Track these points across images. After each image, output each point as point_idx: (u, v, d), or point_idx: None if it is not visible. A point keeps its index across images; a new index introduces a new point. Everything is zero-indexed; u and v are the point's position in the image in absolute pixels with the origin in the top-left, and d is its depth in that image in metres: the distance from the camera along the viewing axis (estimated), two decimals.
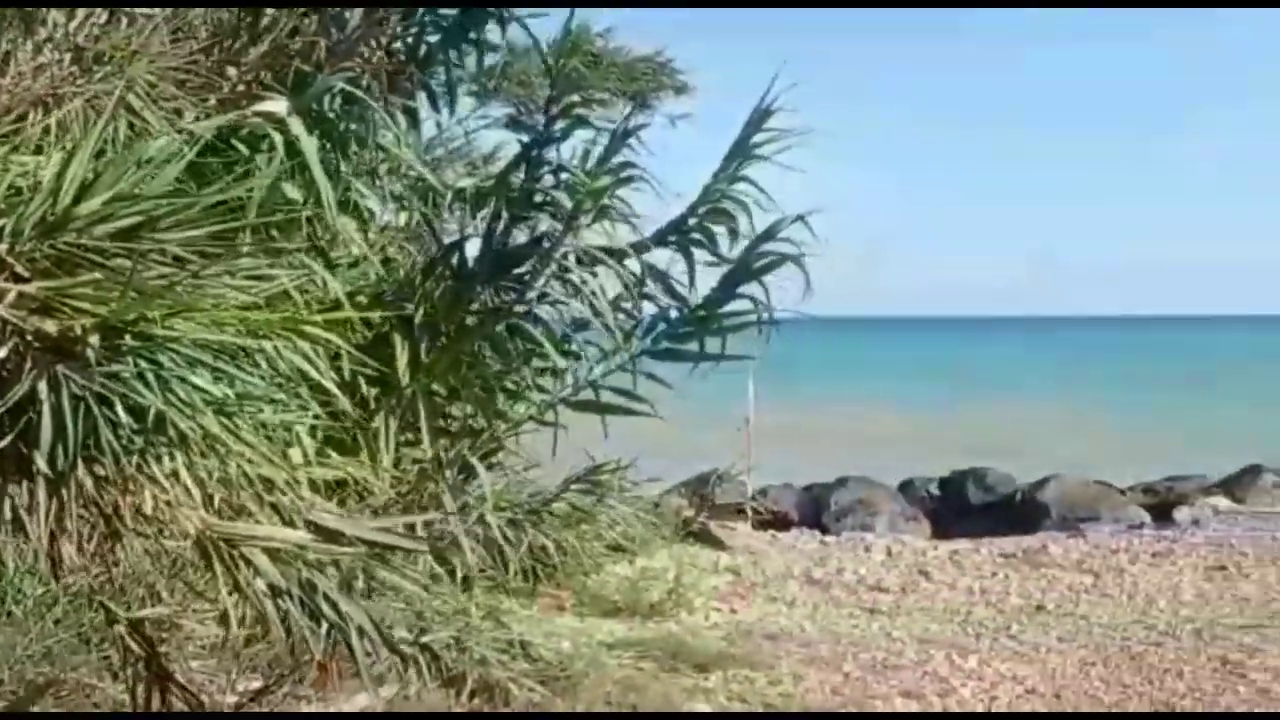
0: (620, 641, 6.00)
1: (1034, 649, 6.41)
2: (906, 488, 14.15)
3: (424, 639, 2.88)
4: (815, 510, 12.50)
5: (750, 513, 10.50)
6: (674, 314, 5.58)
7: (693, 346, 5.82)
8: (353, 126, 2.45)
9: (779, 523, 11.34)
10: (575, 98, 5.62)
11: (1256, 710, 5.44)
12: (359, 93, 2.32)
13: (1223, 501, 11.61)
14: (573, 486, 6.66)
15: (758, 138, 6.02)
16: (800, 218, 5.24)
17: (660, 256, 5.85)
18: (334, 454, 2.23)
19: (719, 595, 7.42)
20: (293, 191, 2.19)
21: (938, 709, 5.41)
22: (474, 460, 4.06)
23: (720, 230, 5.80)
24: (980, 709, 5.42)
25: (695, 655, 5.67)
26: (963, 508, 13.83)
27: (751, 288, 5.68)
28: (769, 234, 5.28)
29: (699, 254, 5.94)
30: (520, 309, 5.65)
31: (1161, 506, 12.25)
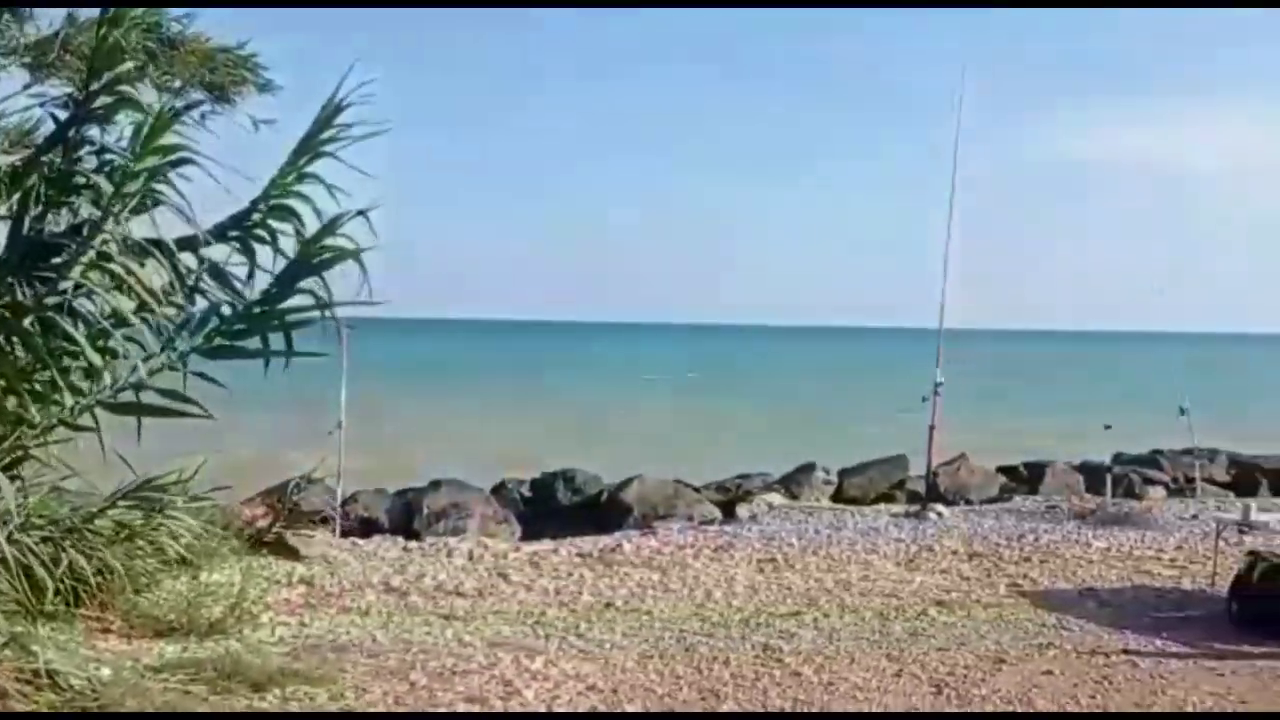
0: (170, 663, 5.56)
1: (599, 646, 6.64)
2: (499, 490, 14.34)
3: None
4: (407, 515, 12.32)
5: (334, 520, 10.17)
6: (227, 310, 5.22)
7: (253, 343, 5.46)
8: None
9: (368, 529, 11.08)
10: (121, 72, 5.11)
11: (791, 691, 5.93)
12: None
13: (777, 498, 12.71)
14: (121, 500, 6.10)
15: (328, 133, 5.74)
16: (362, 212, 5.07)
17: (223, 252, 5.45)
18: None
19: (288, 608, 7.08)
20: None
21: (499, 710, 5.46)
22: None
23: (286, 227, 5.49)
24: (542, 709, 5.53)
25: (253, 673, 5.35)
26: (552, 509, 14.20)
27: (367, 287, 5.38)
28: (328, 229, 5.07)
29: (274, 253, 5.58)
30: (53, 301, 5.07)
31: (730, 503, 13.23)
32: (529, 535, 11.52)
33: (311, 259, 4.90)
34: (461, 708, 5.46)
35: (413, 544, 9.58)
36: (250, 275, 4.96)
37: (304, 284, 5.01)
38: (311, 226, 4.93)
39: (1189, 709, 5.67)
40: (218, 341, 5.09)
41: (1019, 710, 5.66)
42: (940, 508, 11.43)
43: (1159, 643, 6.87)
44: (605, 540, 9.98)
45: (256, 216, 5.03)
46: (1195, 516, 11.16)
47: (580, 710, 5.57)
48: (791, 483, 14.63)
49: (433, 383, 41.10)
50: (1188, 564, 9.15)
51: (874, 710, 5.65)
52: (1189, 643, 6.87)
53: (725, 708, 5.67)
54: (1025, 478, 15.22)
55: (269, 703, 5.20)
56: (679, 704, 5.71)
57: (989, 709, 5.64)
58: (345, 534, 10.10)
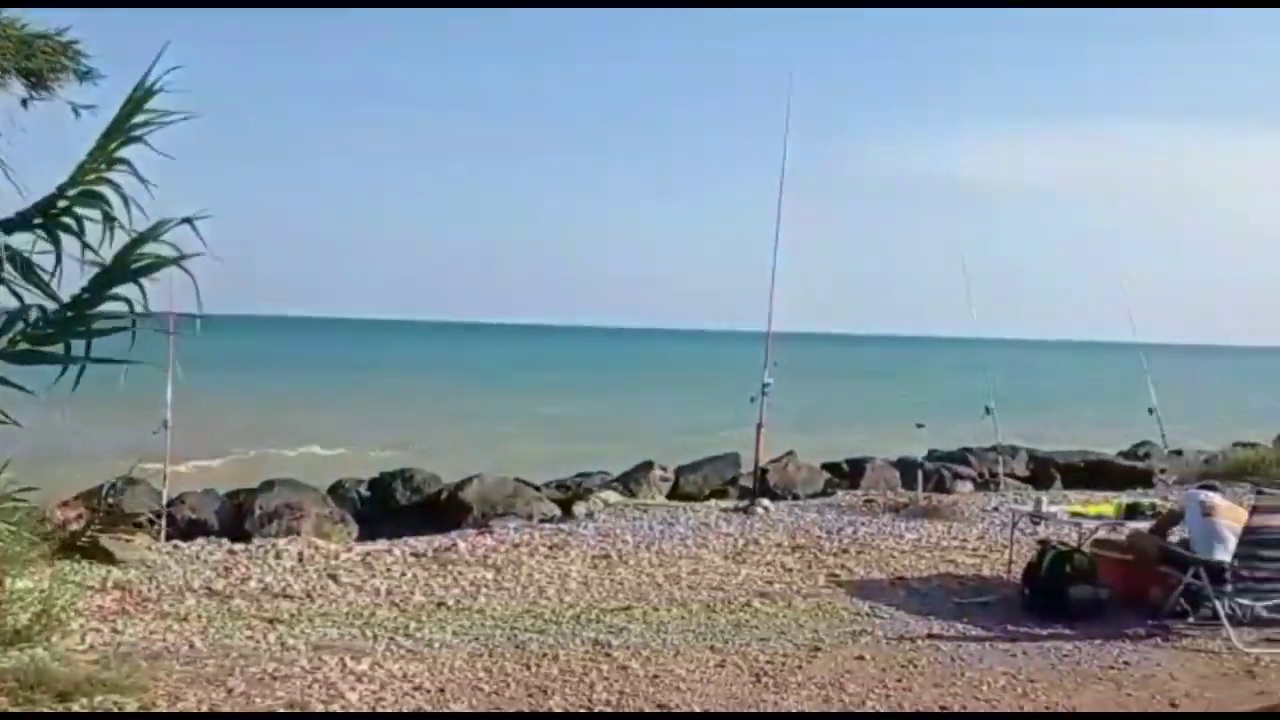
0: None
1: (428, 646, 6.67)
2: (336, 490, 14.10)
3: None
4: (238, 517, 12.01)
5: (158, 522, 9.85)
6: (35, 313, 5.04)
7: (58, 349, 5.27)
8: None
9: (195, 532, 10.76)
10: None
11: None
12: None
13: (614, 495, 12.90)
14: None
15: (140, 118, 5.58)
16: (188, 220, 4.97)
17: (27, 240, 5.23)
18: None
19: (101, 614, 6.87)
20: None
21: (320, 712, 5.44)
22: None
23: (94, 214, 5.32)
24: (366, 710, 5.54)
25: (59, 682, 5.20)
26: (391, 509, 14.05)
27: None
28: (147, 235, 4.95)
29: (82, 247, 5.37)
30: None
31: (568, 501, 13.35)
32: (367, 536, 11.39)
33: (128, 265, 4.78)
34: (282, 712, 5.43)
35: (239, 546, 9.36)
36: (57, 264, 4.79)
37: (121, 290, 4.87)
38: (125, 217, 4.79)
39: (984, 689, 6.07)
40: (22, 346, 4.91)
41: (832, 693, 5.96)
42: (767, 502, 11.82)
43: (960, 627, 7.33)
44: (441, 539, 9.98)
45: (62, 204, 4.87)
46: (996, 509, 11.75)
47: (406, 711, 5.60)
48: (630, 480, 14.85)
49: (269, 380, 40.01)
50: (988, 553, 9.72)
51: (696, 700, 5.86)
52: (986, 627, 7.35)
53: (552, 703, 5.77)
54: (847, 473, 15.86)
55: (74, 712, 5.06)
56: (506, 702, 5.80)
57: (804, 695, 5.92)
58: (170, 537, 9.80)
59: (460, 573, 8.62)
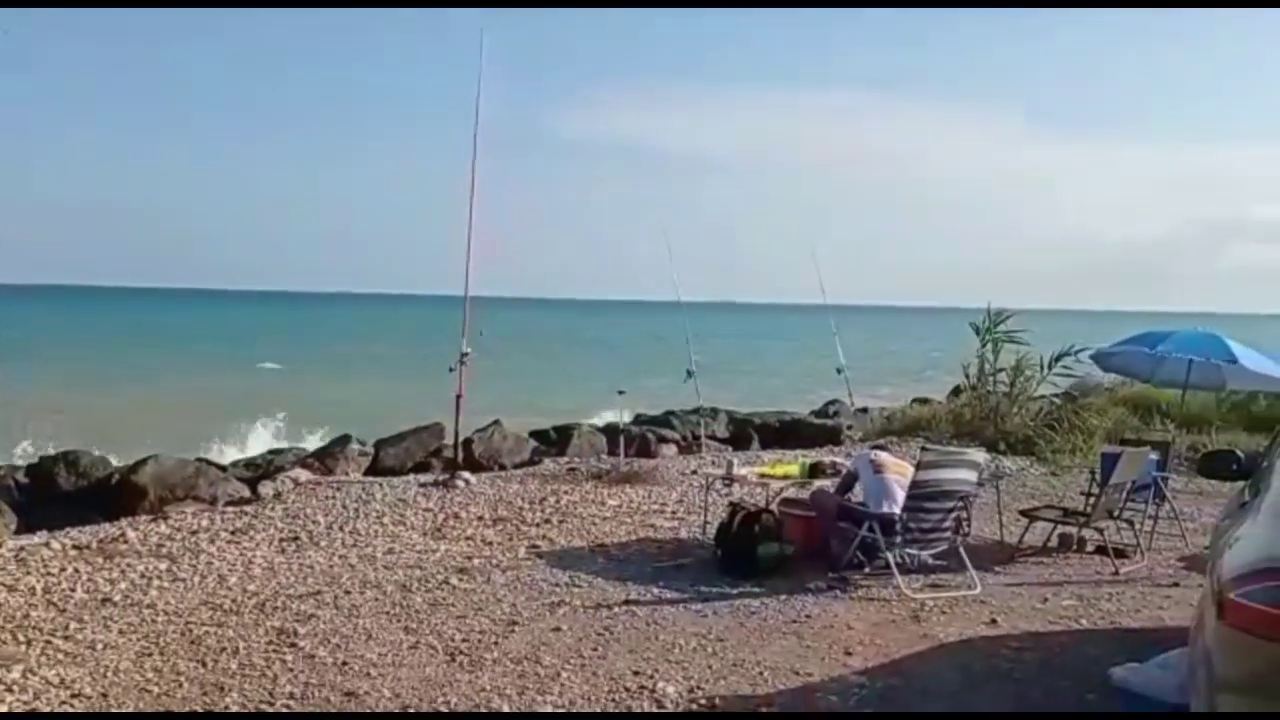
0: None
1: (90, 648, 6.08)
2: None
3: None
4: None
5: None
6: None
7: None
8: None
9: None
10: None
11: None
12: None
13: (306, 474, 12.31)
14: None
15: None
16: None
17: None
18: None
19: None
20: None
21: None
22: None
23: None
24: None
25: None
26: (55, 496, 12.86)
27: None
28: None
29: None
30: None
31: (258, 480, 12.63)
32: (27, 527, 10.32)
33: None
34: None
35: None
36: None
37: None
38: None
39: (677, 650, 6.18)
40: None
41: (528, 667, 5.88)
42: (468, 475, 11.63)
43: (656, 591, 7.45)
44: (107, 529, 9.17)
45: None
46: (695, 472, 12.00)
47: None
48: (326, 456, 14.28)
49: None
50: (686, 516, 9.99)
51: (387, 685, 5.62)
52: (681, 589, 7.51)
53: (229, 700, 5.38)
54: (555, 440, 15.96)
55: None
56: (178, 703, 5.35)
57: (499, 671, 5.81)
58: None
59: (129, 565, 7.93)
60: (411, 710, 5.30)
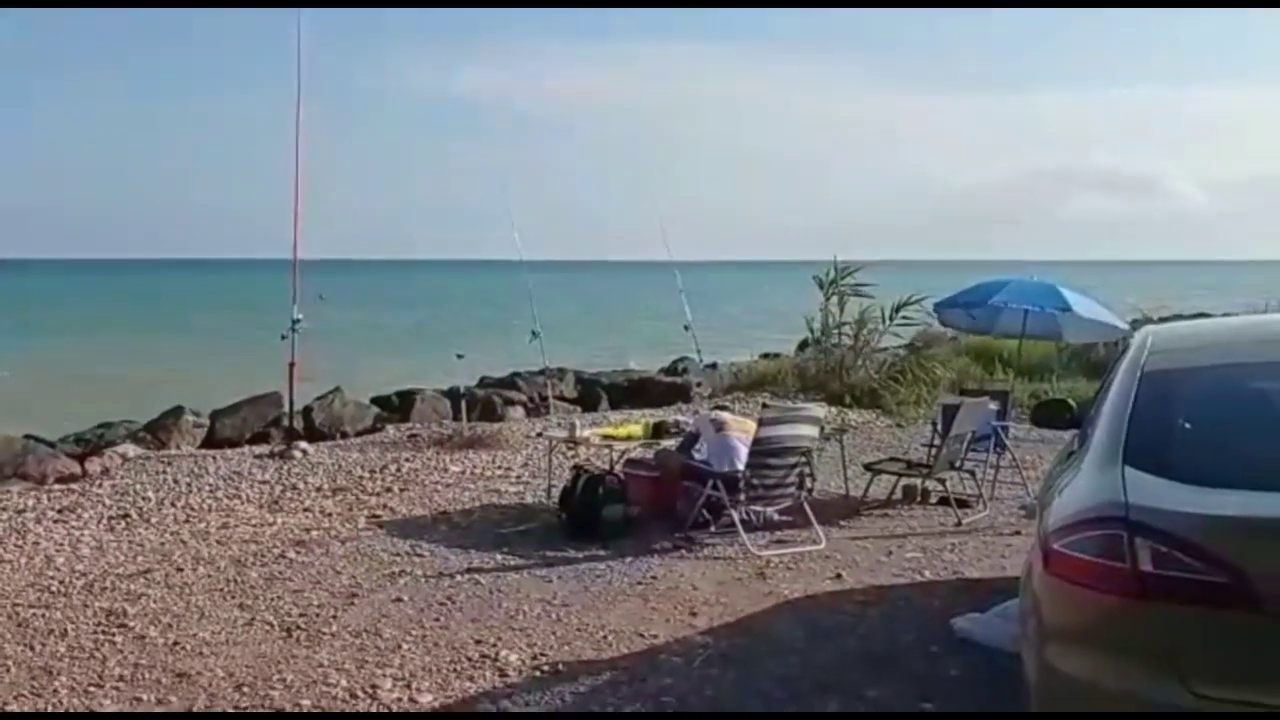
0: None
1: None
2: None
3: None
4: None
5: None
6: None
7: None
8: None
9: None
10: None
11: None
12: None
13: (135, 448, 11.80)
14: None
15: None
16: None
17: None
18: None
19: None
20: None
21: None
22: None
23: None
24: None
25: None
26: None
27: None
28: None
29: None
30: None
31: (87, 456, 12.03)
32: None
33: None
34: None
35: None
36: None
37: None
38: None
39: (520, 618, 6.17)
40: None
41: (368, 640, 5.80)
42: (305, 445, 11.35)
43: (500, 558, 7.43)
44: None
45: None
46: (540, 434, 11.86)
47: None
48: (158, 429, 13.67)
49: None
50: (531, 480, 9.95)
51: (220, 664, 5.47)
52: (525, 555, 7.49)
53: (58, 684, 5.17)
54: (397, 406, 15.64)
55: None
56: (5, 687, 5.14)
57: (338, 646, 5.71)
58: None
59: None
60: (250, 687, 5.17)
